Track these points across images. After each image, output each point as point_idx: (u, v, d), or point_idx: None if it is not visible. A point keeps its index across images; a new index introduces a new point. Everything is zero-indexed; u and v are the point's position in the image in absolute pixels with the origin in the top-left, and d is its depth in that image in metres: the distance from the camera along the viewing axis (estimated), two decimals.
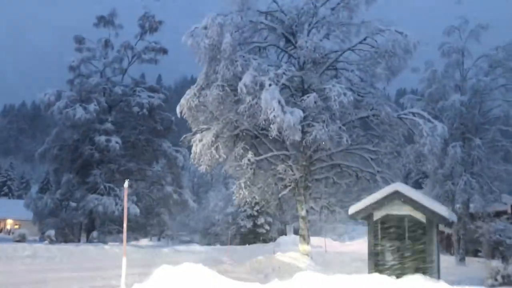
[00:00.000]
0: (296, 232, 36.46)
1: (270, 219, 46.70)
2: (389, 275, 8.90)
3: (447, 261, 19.46)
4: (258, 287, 5.66)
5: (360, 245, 29.13)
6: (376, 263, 10.07)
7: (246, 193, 14.49)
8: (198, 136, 14.41)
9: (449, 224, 11.22)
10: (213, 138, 14.00)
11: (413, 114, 14.44)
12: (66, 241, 22.46)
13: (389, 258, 10.06)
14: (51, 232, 22.20)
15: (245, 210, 47.43)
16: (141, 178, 29.94)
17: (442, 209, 10.08)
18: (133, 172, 28.99)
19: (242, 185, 14.54)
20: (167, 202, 29.64)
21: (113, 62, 29.74)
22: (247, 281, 7.06)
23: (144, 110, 28.25)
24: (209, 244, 41.94)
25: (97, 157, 26.97)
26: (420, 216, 9.98)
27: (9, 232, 52.14)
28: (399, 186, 10.43)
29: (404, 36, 13.72)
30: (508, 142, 21.97)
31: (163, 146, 29.81)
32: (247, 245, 38.96)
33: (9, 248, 14.46)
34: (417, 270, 9.51)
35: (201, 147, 13.98)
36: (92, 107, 26.89)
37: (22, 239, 20.03)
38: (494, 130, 22.06)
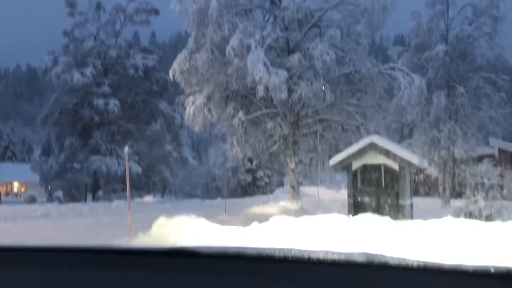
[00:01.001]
0: None
1: (269, 172, 48.20)
2: None
3: (434, 203, 20.81)
4: (239, 229, 6.77)
5: None
6: (355, 206, 11.31)
7: (239, 150, 15.53)
8: (191, 98, 15.25)
9: (421, 170, 12.30)
10: (205, 100, 14.87)
11: (393, 68, 15.23)
12: (73, 201, 23.80)
13: (367, 202, 11.26)
14: (59, 193, 23.50)
15: (244, 165, 48.95)
16: (141, 138, 31.01)
17: (413, 157, 11.16)
18: (132, 133, 30.06)
19: (235, 142, 15.56)
20: (168, 160, 30.90)
21: (106, 25, 30.09)
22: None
23: (140, 72, 28.93)
24: (210, 197, 43.63)
25: (97, 120, 27.93)
26: (393, 164, 11.07)
27: (16, 195, 53.86)
28: (375, 138, 11.45)
29: None
30: (491, 89, 22.78)
31: (160, 106, 30.71)
32: (247, 197, 40.44)
33: (23, 210, 15.74)
34: (390, 211, 10.72)
35: (194, 109, 14.88)
36: (88, 71, 27.56)
37: (32, 201, 21.29)
38: (477, 78, 22.80)
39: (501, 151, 25.50)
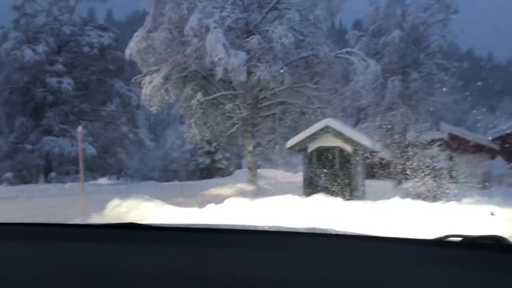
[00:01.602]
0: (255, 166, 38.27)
1: (227, 155, 48.22)
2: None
3: (386, 185, 21.53)
4: (195, 210, 6.81)
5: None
6: (310, 187, 11.57)
7: (197, 131, 15.45)
8: (147, 78, 15.01)
9: (373, 152, 12.69)
10: (162, 80, 14.66)
11: (349, 53, 15.52)
12: (24, 183, 23.02)
13: (321, 183, 11.53)
14: (9, 175, 22.65)
15: (202, 147, 48.79)
16: (96, 119, 30.23)
17: (366, 140, 11.52)
18: (87, 113, 29.23)
19: (193, 124, 15.45)
20: (123, 142, 30.31)
21: (59, 0, 28.82)
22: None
23: (95, 50, 28.00)
24: (167, 180, 43.26)
25: (50, 99, 26.94)
26: (347, 147, 11.39)
27: None
28: (330, 122, 11.72)
29: None
30: (443, 75, 23.64)
31: (116, 86, 29.93)
32: (205, 180, 40.37)
33: None
34: (344, 191, 11.04)
35: (151, 89, 14.65)
36: (41, 48, 26.43)
37: None
38: (430, 64, 23.58)
39: (451, 136, 26.63)
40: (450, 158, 22.85)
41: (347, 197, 10.34)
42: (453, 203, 6.74)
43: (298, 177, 33.62)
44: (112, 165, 30.90)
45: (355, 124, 24.76)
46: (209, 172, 48.06)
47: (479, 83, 41.78)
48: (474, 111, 39.33)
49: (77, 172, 28.48)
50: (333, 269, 0.99)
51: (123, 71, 30.87)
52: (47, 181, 27.25)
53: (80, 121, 27.90)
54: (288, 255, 1.06)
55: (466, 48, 61.71)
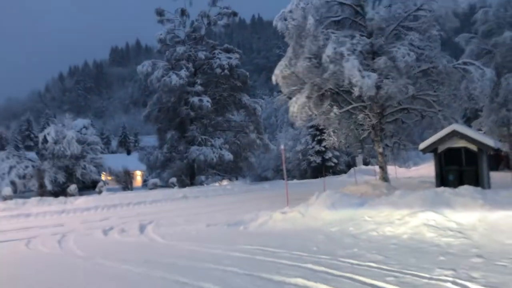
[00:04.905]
0: (365, 163, 40.62)
1: (337, 153, 50.73)
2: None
3: (505, 176, 23.03)
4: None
5: (425, 170, 33.03)
6: (441, 181, 14.24)
7: (335, 138, 18.74)
8: (293, 99, 18.57)
9: (495, 150, 14.89)
10: (306, 100, 18.13)
11: (465, 63, 17.73)
12: (183, 186, 28.09)
13: (451, 178, 14.16)
14: (174, 179, 27.86)
15: (313, 147, 52.06)
16: (228, 129, 35.01)
17: (489, 140, 13.91)
18: (221, 125, 34.10)
19: (331, 133, 18.78)
20: (252, 147, 34.67)
21: (194, 32, 34.02)
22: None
23: (226, 71, 32.64)
24: (281, 179, 47.08)
25: (192, 115, 32.07)
26: (472, 147, 13.88)
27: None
28: (456, 126, 14.29)
29: (454, 1, 16.79)
30: None
31: (243, 99, 34.40)
32: (318, 178, 43.30)
33: (168, 193, 20.07)
34: (472, 183, 13.52)
35: (297, 107, 18.17)
36: (183, 73, 31.64)
37: (155, 187, 25.54)
38: None
39: None
40: None
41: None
42: None
43: (411, 172, 35.67)
44: (243, 168, 35.32)
45: (470, 121, 26.42)
46: (320, 170, 51.06)
47: None
48: None
49: (215, 175, 33.48)
50: None
51: (247, 86, 35.39)
52: (192, 183, 32.34)
53: (217, 131, 32.83)
54: None
55: None
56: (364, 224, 9.16)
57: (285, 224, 10.30)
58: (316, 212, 10.29)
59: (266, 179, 54.78)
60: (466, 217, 8.30)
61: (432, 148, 14.55)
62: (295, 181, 40.78)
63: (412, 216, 8.75)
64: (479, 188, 9.97)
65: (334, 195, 10.72)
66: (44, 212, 15.96)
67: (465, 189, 9.43)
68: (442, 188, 10.06)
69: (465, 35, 26.60)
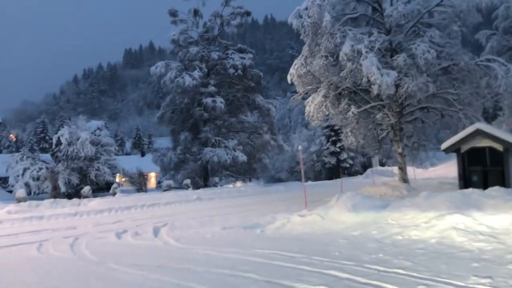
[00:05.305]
0: (381, 163, 39.95)
1: (352, 154, 50.00)
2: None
3: None
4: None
5: (443, 170, 32.29)
6: (465, 183, 13.69)
7: (353, 139, 18.26)
8: (310, 98, 18.14)
9: None
10: (322, 99, 17.68)
11: (489, 60, 17.11)
12: (197, 187, 27.79)
13: (475, 179, 13.60)
14: (188, 181, 27.58)
15: (327, 148, 51.41)
16: (241, 130, 34.63)
17: None
18: (235, 126, 33.74)
19: (349, 133, 18.30)
20: (266, 148, 34.22)
21: (207, 32, 33.74)
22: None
23: (239, 71, 32.29)
24: (296, 180, 46.53)
25: (206, 116, 31.78)
26: (497, 146, 13.31)
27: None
28: (480, 125, 13.73)
29: None
30: None
31: (257, 100, 33.98)
32: (333, 179, 42.67)
33: (182, 195, 19.82)
34: (497, 184, 12.95)
35: (314, 106, 17.74)
36: (196, 73, 31.39)
37: (169, 188, 25.29)
38: None
39: None
40: None
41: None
42: None
43: (429, 173, 34.88)
44: (256, 169, 34.89)
45: (492, 118, 25.67)
46: (335, 171, 50.37)
47: None
48: None
49: (229, 176, 33.13)
50: None
51: (260, 86, 34.98)
52: (212, 184, 31.99)
53: (230, 132, 32.49)
54: None
55: None
56: (388, 228, 8.71)
57: (304, 228, 9.89)
58: (337, 215, 9.88)
59: (280, 180, 54.31)
60: (498, 220, 7.81)
61: (454, 148, 14.00)
62: (309, 182, 40.20)
63: (439, 219, 8.28)
64: (510, 190, 9.44)
65: (355, 197, 10.29)
66: (57, 215, 15.75)
67: (495, 190, 8.94)
68: (470, 190, 9.56)
69: (485, 31, 25.88)
